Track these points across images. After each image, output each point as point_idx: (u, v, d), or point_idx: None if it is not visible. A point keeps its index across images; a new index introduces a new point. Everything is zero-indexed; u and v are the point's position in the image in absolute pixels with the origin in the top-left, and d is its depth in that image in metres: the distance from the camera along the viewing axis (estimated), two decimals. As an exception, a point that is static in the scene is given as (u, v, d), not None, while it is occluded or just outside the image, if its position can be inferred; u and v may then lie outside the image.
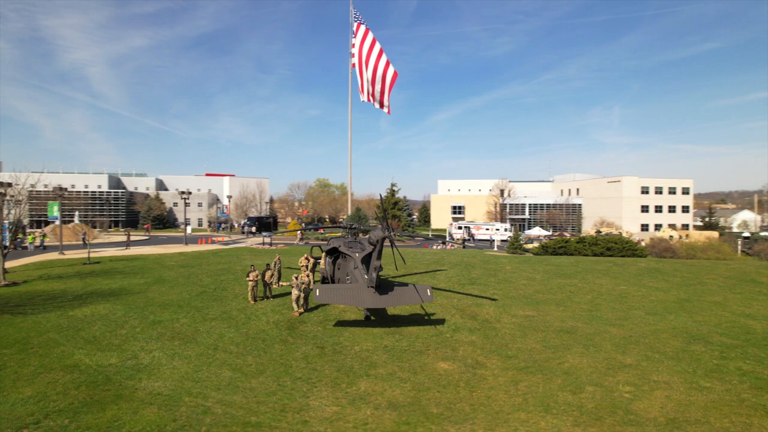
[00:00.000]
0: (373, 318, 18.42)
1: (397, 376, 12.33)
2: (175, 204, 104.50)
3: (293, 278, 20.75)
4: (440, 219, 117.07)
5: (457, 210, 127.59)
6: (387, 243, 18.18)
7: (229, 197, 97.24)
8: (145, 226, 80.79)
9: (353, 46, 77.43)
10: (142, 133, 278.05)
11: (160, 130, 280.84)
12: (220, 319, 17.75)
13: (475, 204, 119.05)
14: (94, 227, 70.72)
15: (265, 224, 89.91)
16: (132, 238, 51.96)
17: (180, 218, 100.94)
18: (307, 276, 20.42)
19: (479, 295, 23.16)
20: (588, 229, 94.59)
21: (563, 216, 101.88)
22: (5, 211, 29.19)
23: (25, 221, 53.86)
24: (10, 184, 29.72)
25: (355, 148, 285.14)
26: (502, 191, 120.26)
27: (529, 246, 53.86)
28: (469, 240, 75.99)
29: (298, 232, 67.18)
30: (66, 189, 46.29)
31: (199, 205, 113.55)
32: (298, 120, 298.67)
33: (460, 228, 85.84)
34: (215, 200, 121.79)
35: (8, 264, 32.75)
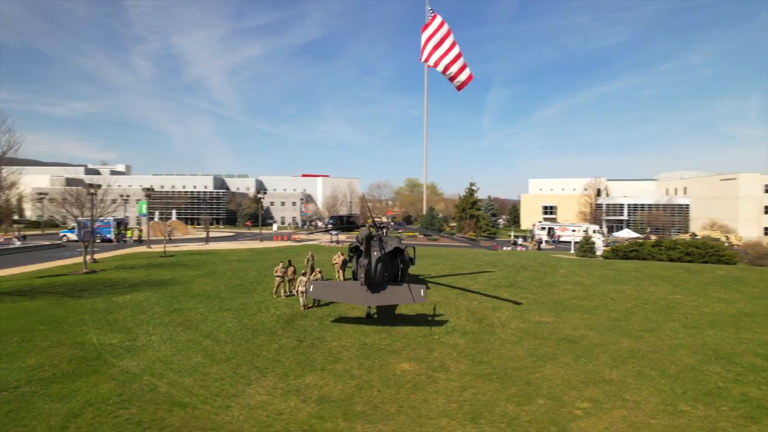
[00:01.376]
0: (375, 316, 18.51)
1: (350, 372, 12.39)
2: (272, 203, 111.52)
3: (317, 272, 21.65)
4: (530, 220, 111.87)
5: (549, 210, 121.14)
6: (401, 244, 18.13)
7: (304, 197, 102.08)
8: (248, 222, 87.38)
9: (427, 41, 77.37)
10: (254, 137, 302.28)
11: (270, 133, 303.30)
12: (233, 310, 19.03)
13: (567, 204, 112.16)
14: (197, 224, 78.68)
15: (346, 223, 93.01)
16: (219, 234, 57.09)
17: (276, 216, 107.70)
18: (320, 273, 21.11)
19: (504, 298, 22.12)
20: (697, 230, 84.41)
21: (666, 217, 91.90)
22: (101, 209, 33.84)
23: (123, 217, 61.50)
24: (99, 186, 34.42)
25: (455, 146, 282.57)
26: (598, 190, 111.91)
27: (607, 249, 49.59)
28: (549, 241, 71.97)
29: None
30: (152, 189, 52.21)
31: (293, 204, 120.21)
32: (400, 120, 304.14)
33: (543, 229, 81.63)
34: (309, 200, 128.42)
35: (103, 255, 37.93)
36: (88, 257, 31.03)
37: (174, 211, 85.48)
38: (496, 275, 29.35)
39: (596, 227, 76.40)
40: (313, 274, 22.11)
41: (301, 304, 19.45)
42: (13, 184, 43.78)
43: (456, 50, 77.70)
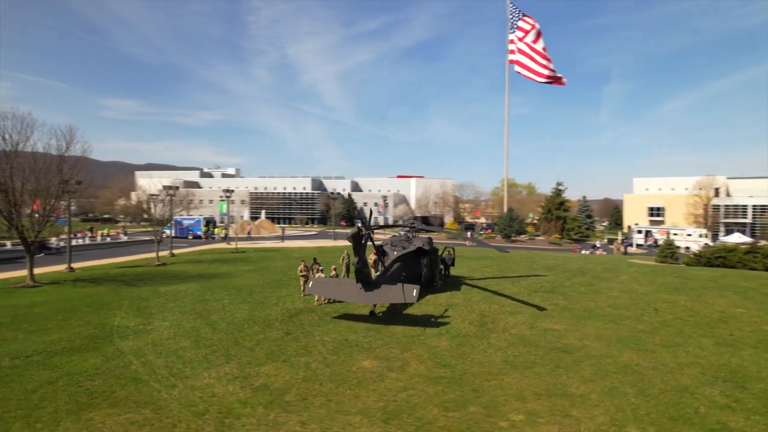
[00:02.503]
0: (379, 314, 18.58)
1: (309, 365, 12.71)
2: (365, 203, 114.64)
3: (332, 270, 22.34)
4: (635, 222, 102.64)
5: (655, 212, 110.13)
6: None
7: (383, 198, 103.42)
8: (341, 222, 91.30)
9: (512, 42, 74.40)
10: (362, 139, 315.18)
11: (377, 135, 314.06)
12: (253, 303, 20.33)
13: (676, 205, 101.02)
14: (293, 224, 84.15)
15: (429, 224, 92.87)
16: (299, 233, 60.63)
17: (380, 218, 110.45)
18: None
19: (530, 303, 20.91)
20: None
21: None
22: (170, 209, 38.01)
23: (211, 215, 67.74)
24: (177, 188, 38.59)
25: (568, 145, 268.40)
26: (716, 190, 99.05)
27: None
28: (644, 245, 65.42)
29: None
30: (232, 190, 56.70)
31: (386, 205, 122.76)
32: (502, 119, 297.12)
33: (640, 232, 74.60)
34: (402, 200, 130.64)
35: (185, 249, 42.35)
36: (167, 252, 34.97)
37: (263, 211, 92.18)
38: (544, 280, 27.64)
39: (703, 231, 67.77)
40: (319, 272, 22.47)
41: (315, 300, 20.15)
42: (137, 187, 50.36)
43: (542, 49, 73.37)
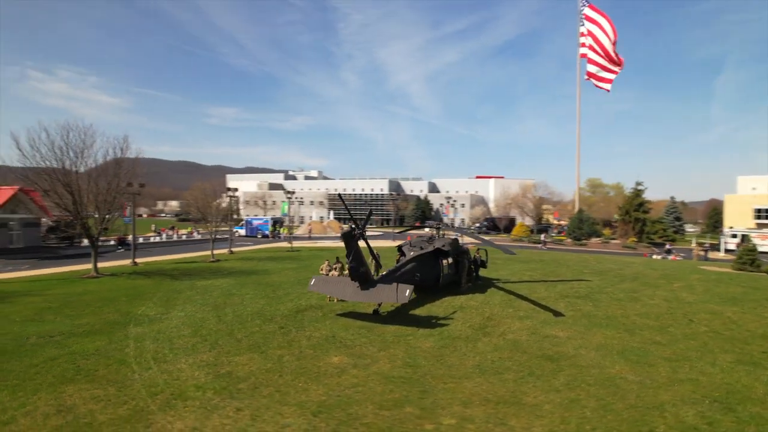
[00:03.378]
0: (383, 314, 18.67)
1: (281, 358, 13.16)
2: (441, 204, 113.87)
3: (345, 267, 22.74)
4: (737, 225, 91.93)
5: (764, 214, 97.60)
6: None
7: (447, 200, 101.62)
8: (416, 223, 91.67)
9: (582, 34, 70.16)
10: (451, 140, 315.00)
11: (464, 135, 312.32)
12: (272, 298, 21.33)
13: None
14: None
15: (495, 226, 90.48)
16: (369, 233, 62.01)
17: (446, 219, 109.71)
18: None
19: (547, 306, 19.90)
20: None
21: None
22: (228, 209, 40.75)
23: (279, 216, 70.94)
24: (236, 189, 41.26)
25: (670, 142, 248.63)
26: None
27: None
28: (736, 251, 58.36)
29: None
30: (293, 191, 59.11)
31: (462, 206, 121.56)
32: (603, 116, 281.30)
33: (734, 236, 66.99)
34: (480, 201, 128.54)
35: (246, 248, 45.14)
36: (226, 250, 37.60)
37: (331, 212, 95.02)
38: (585, 285, 25.99)
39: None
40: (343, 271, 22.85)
41: (327, 297, 20.70)
42: (232, 189, 54.45)
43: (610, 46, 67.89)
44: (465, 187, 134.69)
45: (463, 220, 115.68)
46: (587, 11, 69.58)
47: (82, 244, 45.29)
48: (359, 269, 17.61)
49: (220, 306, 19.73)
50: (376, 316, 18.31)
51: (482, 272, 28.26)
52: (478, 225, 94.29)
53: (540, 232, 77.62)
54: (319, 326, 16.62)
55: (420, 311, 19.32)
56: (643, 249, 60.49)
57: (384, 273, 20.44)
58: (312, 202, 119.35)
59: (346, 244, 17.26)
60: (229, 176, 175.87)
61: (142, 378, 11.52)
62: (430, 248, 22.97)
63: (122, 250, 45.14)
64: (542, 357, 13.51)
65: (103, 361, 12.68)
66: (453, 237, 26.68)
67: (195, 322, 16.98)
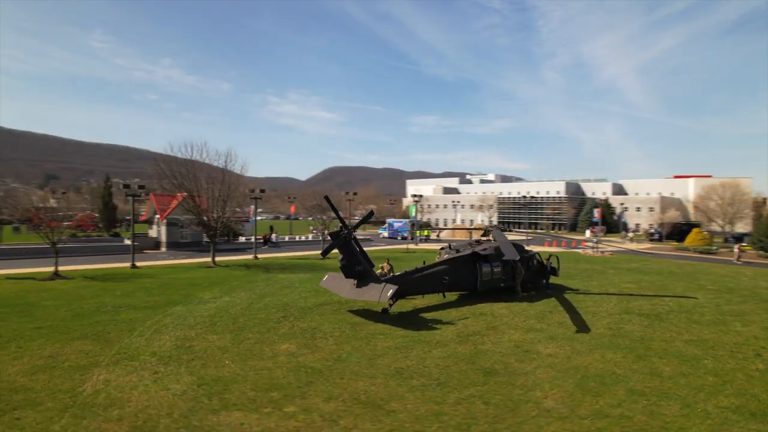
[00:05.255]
0: (394, 314, 18.87)
1: (246, 339, 14.74)
2: (626, 208, 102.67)
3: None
4: None
5: None
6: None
7: (603, 201, 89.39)
8: (592, 229, 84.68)
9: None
10: (673, 135, 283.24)
11: (691, 130, 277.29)
12: (314, 293, 23.21)
13: None
14: (539, 229, 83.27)
15: (679, 231, 77.53)
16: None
17: (632, 223, 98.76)
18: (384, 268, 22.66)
19: (582, 322, 17.63)
20: None
21: None
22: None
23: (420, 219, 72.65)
24: (356, 193, 44.65)
25: None
26: None
27: None
28: None
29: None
30: (420, 195, 60.12)
31: (651, 209, 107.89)
32: None
33: None
34: (675, 204, 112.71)
35: (375, 248, 48.37)
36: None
37: (480, 215, 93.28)
38: (674, 303, 21.88)
39: None
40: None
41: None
42: (417, 196, 59.81)
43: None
44: (658, 188, 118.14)
45: (651, 225, 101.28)
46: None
47: (238, 241, 54.45)
48: (354, 268, 18.25)
49: (264, 295, 22.41)
50: (384, 315, 18.64)
51: (573, 281, 25.95)
52: (652, 231, 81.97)
53: (736, 240, 63.67)
54: (320, 320, 17.75)
55: (434, 314, 18.95)
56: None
57: (399, 273, 20.56)
58: (472, 206, 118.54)
59: (335, 242, 18.11)
60: (408, 181, 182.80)
61: (127, 343, 14.41)
62: (467, 252, 22.06)
63: (266, 246, 52.77)
64: (486, 371, 12.40)
65: (119, 327, 16.12)
66: (499, 243, 24.92)
67: (227, 307, 19.80)
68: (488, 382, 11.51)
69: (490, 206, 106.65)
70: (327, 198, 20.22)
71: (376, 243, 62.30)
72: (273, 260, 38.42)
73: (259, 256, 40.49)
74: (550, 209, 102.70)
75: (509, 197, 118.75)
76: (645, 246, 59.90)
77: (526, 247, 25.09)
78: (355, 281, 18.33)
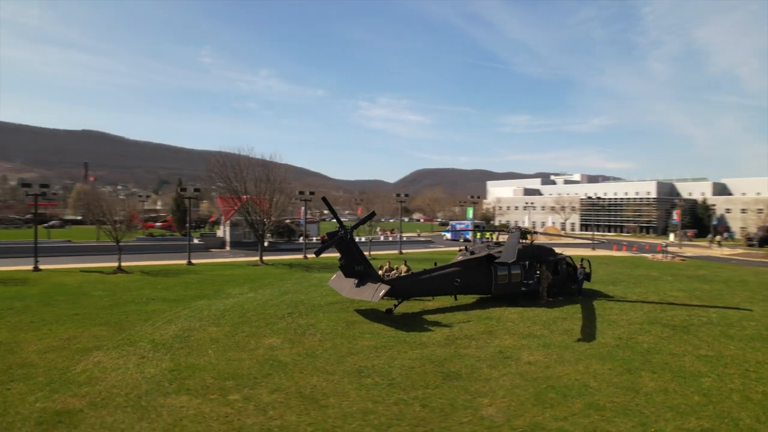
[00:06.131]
0: (395, 313, 19.02)
1: (238, 334, 15.76)
2: (727, 210, 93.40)
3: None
4: None
5: None
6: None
7: (679, 201, 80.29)
8: (689, 233, 78.65)
9: None
10: None
11: None
12: (327, 290, 23.64)
13: None
14: (623, 232, 78.60)
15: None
16: (573, 239, 56.73)
17: (735, 226, 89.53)
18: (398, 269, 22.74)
19: (590, 331, 16.61)
20: None
21: None
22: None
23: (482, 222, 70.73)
24: (407, 196, 44.92)
25: None
26: None
27: None
28: None
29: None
30: (478, 196, 58.69)
31: (759, 211, 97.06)
32: None
33: None
34: None
35: (433, 249, 48.53)
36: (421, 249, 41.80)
37: (549, 218, 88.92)
38: (717, 314, 19.71)
39: None
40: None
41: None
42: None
43: None
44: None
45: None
46: None
47: (298, 241, 56.99)
48: (353, 267, 18.59)
49: (286, 293, 23.48)
50: (388, 315, 18.80)
51: (616, 288, 24.47)
52: (750, 236, 73.27)
53: None
54: (318, 316, 18.38)
55: (436, 317, 18.80)
56: None
57: (407, 274, 20.53)
58: (543, 208, 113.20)
59: (329, 241, 18.56)
60: (489, 183, 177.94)
61: (136, 331, 15.97)
62: (482, 254, 21.44)
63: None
64: (443, 374, 12.22)
65: (139, 317, 17.86)
66: (538, 245, 23.83)
67: (244, 302, 21.05)
68: (442, 386, 11.34)
69: (572, 208, 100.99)
70: (324, 199, 20.75)
71: (438, 245, 61.91)
72: (320, 260, 39.66)
73: (310, 256, 42.03)
74: (632, 211, 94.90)
75: (589, 199, 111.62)
76: (732, 252, 53.59)
77: (557, 251, 23.85)
78: (356, 281, 18.66)
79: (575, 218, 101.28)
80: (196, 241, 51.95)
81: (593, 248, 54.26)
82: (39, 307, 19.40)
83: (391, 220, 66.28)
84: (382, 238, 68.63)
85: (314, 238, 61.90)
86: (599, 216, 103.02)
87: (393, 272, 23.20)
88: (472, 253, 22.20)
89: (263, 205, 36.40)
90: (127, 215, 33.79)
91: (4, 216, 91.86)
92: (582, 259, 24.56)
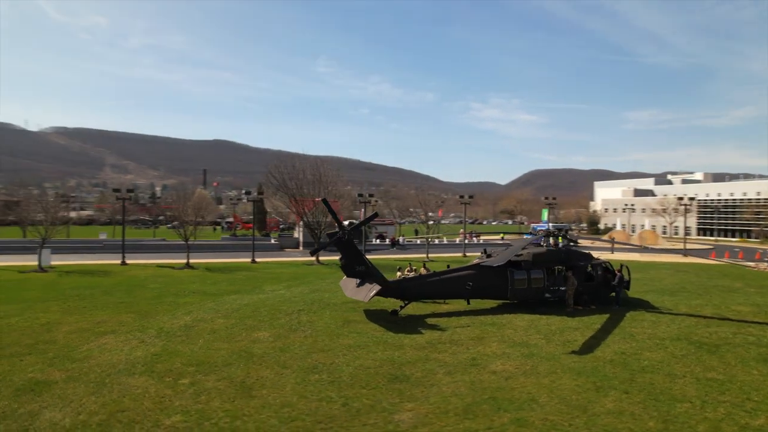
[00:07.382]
0: (401, 314, 19.11)
1: (236, 327, 17.00)
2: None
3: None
4: None
5: None
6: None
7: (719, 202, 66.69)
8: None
9: None
10: None
11: None
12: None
13: None
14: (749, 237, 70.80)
15: None
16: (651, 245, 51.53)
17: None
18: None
19: (594, 342, 15.39)
20: None
21: None
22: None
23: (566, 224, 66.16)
24: (555, 198, 44.16)
25: None
26: None
27: None
28: None
29: None
30: (554, 199, 55.08)
31: None
32: None
33: None
34: None
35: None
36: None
37: (618, 221, 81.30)
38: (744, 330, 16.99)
39: None
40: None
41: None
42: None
43: None
44: None
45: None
46: None
47: (372, 242, 58.52)
48: (354, 268, 18.96)
49: (314, 291, 24.58)
50: (393, 316, 18.94)
51: (672, 299, 22.41)
52: None
53: None
54: (322, 314, 19.10)
55: (437, 320, 18.59)
56: None
57: (415, 275, 20.37)
58: (644, 210, 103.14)
59: (328, 241, 19.10)
60: (596, 183, 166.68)
61: (155, 319, 17.98)
62: (502, 261, 20.49)
63: (394, 248, 55.53)
64: (391, 377, 12.18)
65: (168, 307, 19.98)
66: (569, 249, 22.12)
67: (270, 298, 22.51)
68: (380, 388, 11.37)
69: (674, 209, 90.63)
70: (324, 201, 21.27)
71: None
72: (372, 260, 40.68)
73: (369, 257, 43.09)
74: (752, 213, 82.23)
75: (690, 200, 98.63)
76: None
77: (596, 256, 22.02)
78: (357, 281, 19.03)
79: (691, 222, 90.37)
80: (272, 241, 55.72)
81: (685, 254, 48.27)
82: (99, 295, 22.57)
83: (494, 223, 64.29)
84: (457, 240, 67.56)
85: (387, 240, 63.13)
86: (720, 219, 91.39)
87: (412, 274, 23.17)
88: (489, 256, 21.38)
89: (315, 206, 38.22)
90: (199, 216, 37.68)
91: (137, 217, 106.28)
92: (621, 265, 22.34)
